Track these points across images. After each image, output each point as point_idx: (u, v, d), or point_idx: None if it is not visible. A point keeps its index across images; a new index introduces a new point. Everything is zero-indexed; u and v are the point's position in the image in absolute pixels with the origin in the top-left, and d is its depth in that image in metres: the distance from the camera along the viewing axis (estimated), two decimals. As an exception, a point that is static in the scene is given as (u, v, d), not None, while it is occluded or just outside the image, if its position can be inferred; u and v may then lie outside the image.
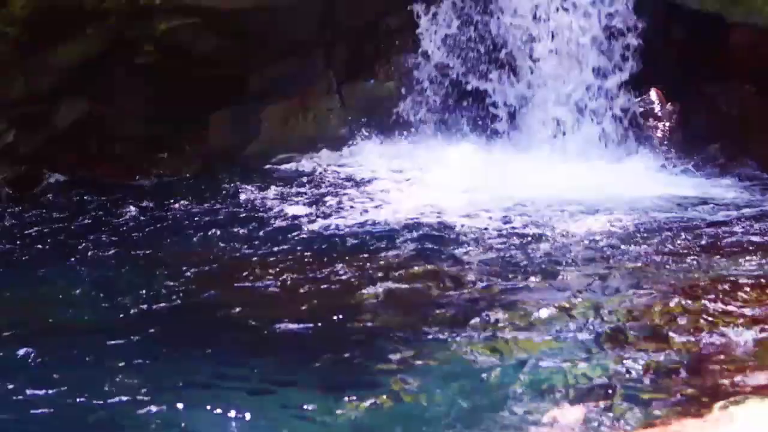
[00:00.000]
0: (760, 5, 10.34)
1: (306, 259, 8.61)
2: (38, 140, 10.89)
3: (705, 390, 6.09)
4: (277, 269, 8.37)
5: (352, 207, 9.91)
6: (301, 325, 7.25)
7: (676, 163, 11.08)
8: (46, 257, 8.91)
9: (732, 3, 10.44)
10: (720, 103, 11.13)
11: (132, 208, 10.06)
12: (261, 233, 9.29)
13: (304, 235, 9.18)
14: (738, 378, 6.20)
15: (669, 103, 11.76)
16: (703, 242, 8.59)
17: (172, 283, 8.12)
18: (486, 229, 9.16)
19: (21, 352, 6.84)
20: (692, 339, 6.75)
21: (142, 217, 9.86)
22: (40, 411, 6.16)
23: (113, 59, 11.00)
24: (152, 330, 7.27)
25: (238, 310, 7.55)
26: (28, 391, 6.35)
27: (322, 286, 8.01)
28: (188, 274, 8.30)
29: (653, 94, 11.65)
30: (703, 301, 7.26)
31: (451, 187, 10.14)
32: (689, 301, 7.25)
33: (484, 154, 11.04)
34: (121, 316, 7.54)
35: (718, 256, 8.25)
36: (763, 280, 7.64)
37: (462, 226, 9.19)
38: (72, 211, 10.06)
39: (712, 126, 11.19)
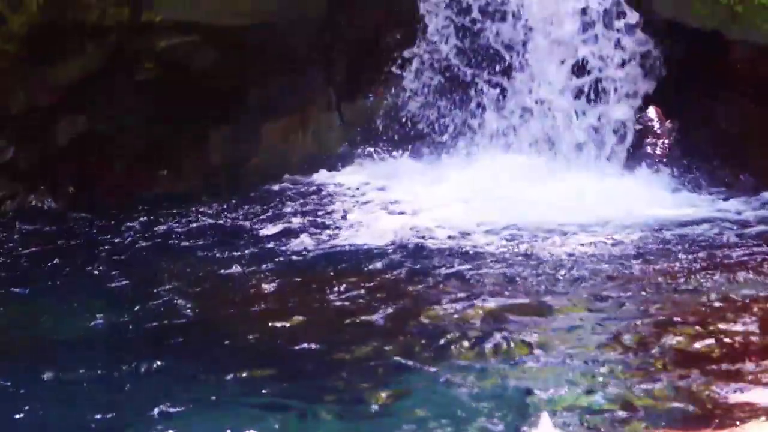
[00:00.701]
0: (759, 23, 10.35)
1: (298, 279, 8.64)
2: (37, 157, 10.88)
3: (713, 413, 6.06)
4: (271, 289, 8.40)
5: (348, 225, 9.92)
6: (295, 346, 7.26)
7: (676, 180, 11.11)
8: (41, 273, 8.93)
9: (731, 20, 10.44)
10: (719, 119, 11.14)
11: (130, 225, 10.08)
12: (257, 251, 9.32)
13: (298, 254, 9.21)
14: (746, 399, 6.18)
15: (668, 120, 11.76)
16: (706, 261, 8.54)
17: (165, 301, 8.16)
18: (482, 247, 9.16)
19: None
20: (700, 362, 6.74)
21: (139, 235, 9.88)
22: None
23: (113, 76, 10.99)
24: (146, 347, 7.32)
25: (229, 328, 7.60)
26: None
27: (314, 306, 8.05)
28: (179, 292, 8.32)
29: (652, 111, 11.64)
30: (708, 321, 7.27)
31: (449, 206, 10.15)
32: (696, 325, 7.25)
33: (483, 171, 11.03)
34: (114, 333, 7.59)
35: (721, 275, 8.24)
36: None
37: (457, 244, 9.17)
38: (70, 228, 10.06)
39: (712, 142, 11.19)
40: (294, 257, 9.14)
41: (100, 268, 8.98)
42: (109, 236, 9.83)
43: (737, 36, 10.50)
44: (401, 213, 10.18)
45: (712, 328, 7.19)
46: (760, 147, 10.73)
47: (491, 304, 7.76)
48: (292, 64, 11.47)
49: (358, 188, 11.00)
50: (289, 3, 11.23)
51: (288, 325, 7.59)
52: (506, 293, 8.02)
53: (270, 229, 9.88)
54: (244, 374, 6.81)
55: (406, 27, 11.55)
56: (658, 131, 11.62)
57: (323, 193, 10.96)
